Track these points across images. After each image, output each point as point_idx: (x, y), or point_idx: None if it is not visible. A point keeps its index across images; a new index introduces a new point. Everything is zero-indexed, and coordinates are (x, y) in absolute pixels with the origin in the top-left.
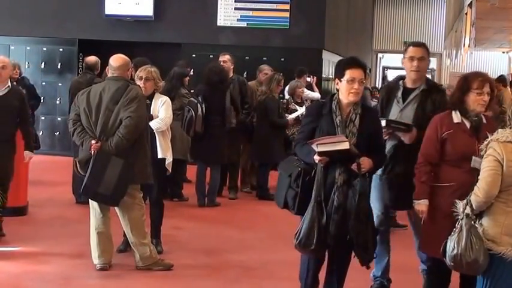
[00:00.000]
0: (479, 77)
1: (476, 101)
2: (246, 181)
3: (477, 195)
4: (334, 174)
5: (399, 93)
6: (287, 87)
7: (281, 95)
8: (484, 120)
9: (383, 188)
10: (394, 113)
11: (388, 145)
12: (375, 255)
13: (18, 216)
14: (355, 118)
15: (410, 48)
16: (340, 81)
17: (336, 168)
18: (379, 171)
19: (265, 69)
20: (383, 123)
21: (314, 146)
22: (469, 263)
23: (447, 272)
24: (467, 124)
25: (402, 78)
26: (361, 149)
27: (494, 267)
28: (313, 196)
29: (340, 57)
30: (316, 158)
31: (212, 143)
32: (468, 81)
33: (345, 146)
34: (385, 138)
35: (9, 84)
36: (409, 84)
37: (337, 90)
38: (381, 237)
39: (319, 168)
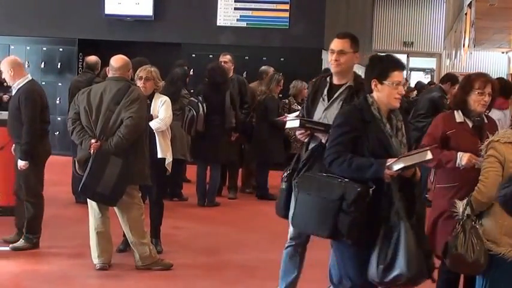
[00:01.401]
0: (481, 77)
1: (477, 101)
2: (248, 182)
3: (477, 195)
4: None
5: (325, 91)
6: (291, 88)
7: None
8: (486, 120)
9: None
10: (319, 112)
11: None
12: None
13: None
14: (401, 126)
15: (334, 40)
16: (382, 83)
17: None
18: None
19: (271, 72)
20: (296, 123)
21: (392, 161)
22: (470, 263)
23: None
24: (470, 124)
25: (331, 74)
26: None
27: (494, 267)
28: (405, 219)
29: None
30: (391, 172)
31: (212, 143)
32: (470, 80)
33: (429, 155)
34: (304, 139)
35: (18, 85)
36: (335, 81)
37: (369, 92)
38: (293, 251)
39: (396, 185)
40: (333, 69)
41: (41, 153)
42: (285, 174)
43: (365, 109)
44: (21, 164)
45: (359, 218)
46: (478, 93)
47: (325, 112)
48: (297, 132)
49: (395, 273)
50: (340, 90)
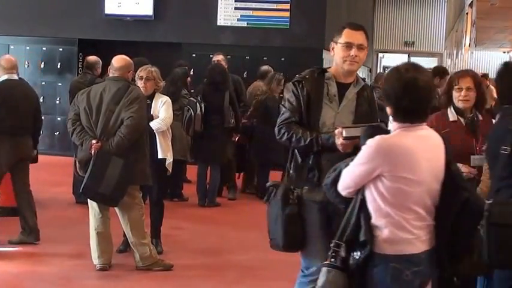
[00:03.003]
0: (458, 73)
1: (456, 97)
2: (250, 183)
3: (481, 194)
4: None
5: (333, 90)
6: None
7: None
8: (480, 117)
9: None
10: (326, 116)
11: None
12: None
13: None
14: None
15: (347, 32)
16: None
17: None
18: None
19: (271, 72)
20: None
21: None
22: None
23: None
24: (463, 122)
25: (323, 70)
26: None
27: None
28: None
29: None
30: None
31: (212, 143)
32: (451, 78)
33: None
34: (348, 151)
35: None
36: (341, 79)
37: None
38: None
39: None
40: (347, 67)
41: None
42: (292, 195)
43: None
44: None
45: None
46: (456, 89)
47: (336, 117)
48: (343, 142)
49: None
50: (354, 90)
